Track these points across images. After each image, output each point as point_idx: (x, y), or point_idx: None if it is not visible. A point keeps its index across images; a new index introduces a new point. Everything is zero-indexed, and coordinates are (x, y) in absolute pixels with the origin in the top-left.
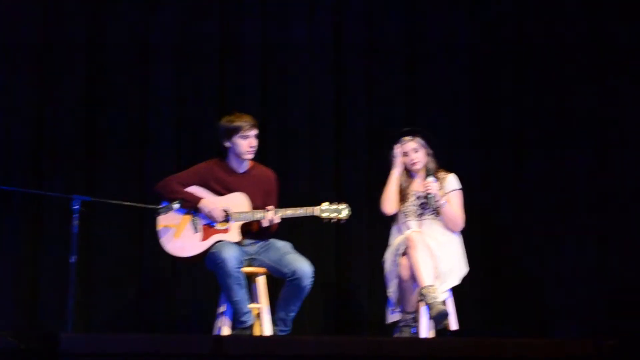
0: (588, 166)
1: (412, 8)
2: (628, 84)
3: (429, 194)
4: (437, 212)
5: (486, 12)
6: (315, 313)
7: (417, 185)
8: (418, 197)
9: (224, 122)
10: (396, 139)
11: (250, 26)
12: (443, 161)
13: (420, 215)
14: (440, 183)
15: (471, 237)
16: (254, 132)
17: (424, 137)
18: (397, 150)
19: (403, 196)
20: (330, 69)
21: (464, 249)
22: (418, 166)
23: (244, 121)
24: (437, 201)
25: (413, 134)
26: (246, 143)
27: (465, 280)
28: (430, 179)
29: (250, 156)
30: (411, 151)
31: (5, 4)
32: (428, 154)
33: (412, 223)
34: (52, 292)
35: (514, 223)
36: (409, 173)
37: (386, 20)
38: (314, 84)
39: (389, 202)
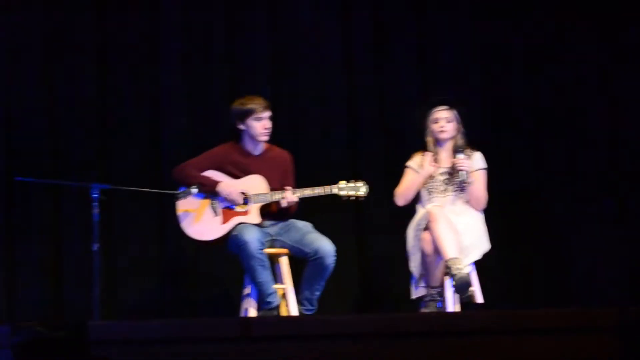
0: (606, 140)
1: None
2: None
3: (460, 170)
4: (461, 188)
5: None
6: (340, 291)
7: (444, 160)
8: (442, 173)
9: (237, 105)
10: (432, 106)
11: (256, 10)
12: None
13: (444, 191)
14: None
15: (492, 212)
16: (267, 114)
17: (459, 112)
18: (430, 118)
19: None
20: (340, 47)
21: (485, 226)
22: (446, 135)
23: (256, 103)
24: (468, 178)
25: (450, 104)
26: (260, 125)
27: (489, 254)
28: (462, 155)
29: (265, 138)
30: (443, 120)
31: (12, 6)
32: (459, 130)
33: (436, 199)
34: (76, 281)
35: (534, 197)
36: (435, 143)
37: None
38: (324, 62)
39: (404, 199)
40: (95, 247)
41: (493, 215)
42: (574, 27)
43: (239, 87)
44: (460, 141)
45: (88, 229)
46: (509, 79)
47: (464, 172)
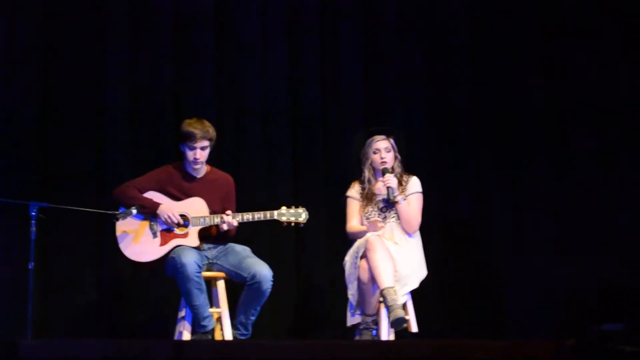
0: (546, 169)
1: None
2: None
3: (388, 187)
4: (398, 214)
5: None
6: (276, 317)
7: (382, 189)
8: (380, 201)
9: (182, 125)
10: (369, 135)
11: (202, 26)
12: (405, 164)
13: (383, 219)
14: (403, 185)
15: (430, 240)
16: (203, 144)
17: (396, 140)
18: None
19: (366, 198)
20: (286, 72)
21: (423, 253)
22: (387, 166)
23: (196, 129)
24: (395, 196)
25: (387, 133)
26: (191, 154)
27: (424, 282)
28: (388, 174)
29: (196, 166)
30: (383, 150)
31: None
32: (396, 158)
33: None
34: (9, 299)
35: (472, 226)
36: (373, 173)
37: (341, 19)
38: (269, 86)
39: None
40: (31, 265)
41: (432, 243)
42: (519, 51)
43: (184, 108)
44: (398, 168)
45: (24, 247)
46: (452, 106)
47: (391, 189)
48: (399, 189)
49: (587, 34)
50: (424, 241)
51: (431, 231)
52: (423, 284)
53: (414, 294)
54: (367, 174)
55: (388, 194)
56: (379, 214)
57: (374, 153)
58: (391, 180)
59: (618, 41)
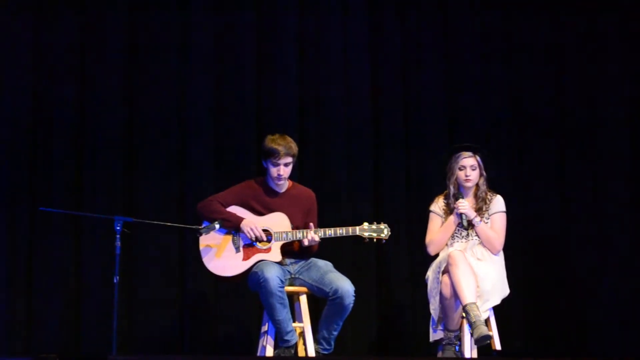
0: (631, 179)
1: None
2: None
3: (461, 214)
4: (463, 229)
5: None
6: (358, 332)
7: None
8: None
9: (265, 141)
10: (456, 151)
11: (286, 44)
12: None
13: (467, 235)
14: (487, 204)
15: (513, 256)
16: (286, 160)
17: (482, 157)
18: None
19: (449, 214)
20: (367, 85)
21: (505, 272)
22: (470, 184)
23: (279, 146)
24: (469, 220)
25: (474, 150)
26: (275, 170)
27: (508, 299)
28: (461, 200)
29: (279, 182)
30: (469, 167)
31: (44, 8)
32: (482, 175)
33: (457, 244)
34: (95, 312)
35: (556, 242)
36: (458, 188)
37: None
38: (351, 102)
39: (437, 248)
40: (116, 279)
41: (516, 261)
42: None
43: (267, 124)
44: (483, 186)
45: (110, 261)
46: (534, 125)
47: (464, 216)
48: (484, 207)
49: None
50: (506, 257)
51: (514, 248)
52: (507, 300)
53: (496, 311)
54: (452, 189)
55: (461, 220)
56: (462, 232)
57: (460, 170)
58: (462, 206)
59: None
